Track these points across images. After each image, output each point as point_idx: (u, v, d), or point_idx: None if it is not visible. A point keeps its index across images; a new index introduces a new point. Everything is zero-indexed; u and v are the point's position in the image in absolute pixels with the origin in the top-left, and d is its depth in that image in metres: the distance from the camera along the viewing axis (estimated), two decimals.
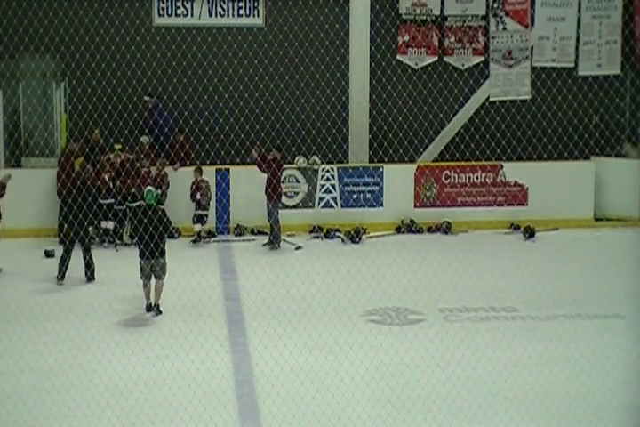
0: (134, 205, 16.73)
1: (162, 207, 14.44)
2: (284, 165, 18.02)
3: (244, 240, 17.77)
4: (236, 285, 15.14)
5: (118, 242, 17.12)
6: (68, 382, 11.07)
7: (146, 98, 18.29)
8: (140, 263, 13.54)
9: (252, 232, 17.96)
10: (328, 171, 18.65)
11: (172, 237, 16.74)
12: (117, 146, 17.63)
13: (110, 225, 17.08)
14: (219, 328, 12.94)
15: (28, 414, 10.22)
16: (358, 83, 19.54)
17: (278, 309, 13.60)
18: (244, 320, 13.42)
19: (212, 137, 18.72)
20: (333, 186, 18.64)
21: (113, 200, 17.16)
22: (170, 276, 13.65)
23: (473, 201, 18.94)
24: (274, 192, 17.05)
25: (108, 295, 14.20)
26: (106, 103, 18.03)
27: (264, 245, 17.20)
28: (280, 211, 17.84)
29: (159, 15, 19.57)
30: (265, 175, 17.22)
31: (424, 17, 20.00)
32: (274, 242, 17.06)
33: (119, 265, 15.43)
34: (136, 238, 13.80)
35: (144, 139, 18.02)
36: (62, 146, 17.97)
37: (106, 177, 17.13)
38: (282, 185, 17.44)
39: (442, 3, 19.93)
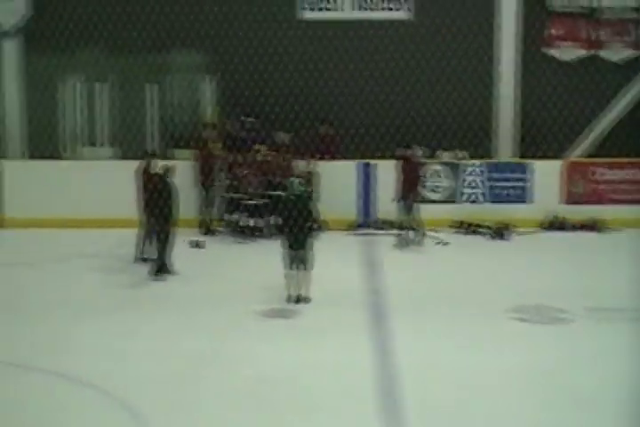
0: (278, 194, 16.86)
1: (310, 198, 14.41)
2: (428, 160, 17.91)
3: (388, 234, 17.70)
4: (380, 278, 15.08)
5: (257, 234, 17.21)
6: (212, 370, 11.23)
7: (246, 119, 18.34)
8: (286, 254, 13.63)
9: (397, 226, 17.85)
10: (474, 166, 18.40)
11: (318, 229, 16.78)
12: (258, 146, 17.83)
13: (250, 220, 17.20)
14: (362, 322, 12.90)
15: (175, 400, 10.41)
16: (506, 77, 19.22)
17: (422, 303, 13.49)
18: (388, 314, 13.34)
19: (357, 130, 18.77)
20: (480, 181, 18.39)
21: (244, 195, 17.26)
22: (314, 268, 13.67)
23: (624, 198, 18.37)
24: (407, 191, 16.72)
25: (253, 285, 14.35)
26: (255, 97, 18.33)
27: (397, 245, 16.94)
28: (424, 206, 17.75)
29: (305, 9, 19.68)
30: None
31: (575, 9, 19.52)
32: (414, 239, 16.74)
33: (264, 255, 15.59)
34: (282, 229, 13.83)
35: (284, 135, 18.15)
36: (213, 138, 18.20)
37: (238, 171, 17.30)
38: (424, 180, 17.14)
39: None
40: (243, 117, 18.40)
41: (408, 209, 16.72)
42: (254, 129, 18.34)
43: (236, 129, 17.98)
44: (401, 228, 17.38)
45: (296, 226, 13.33)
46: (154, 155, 15.72)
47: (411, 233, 16.87)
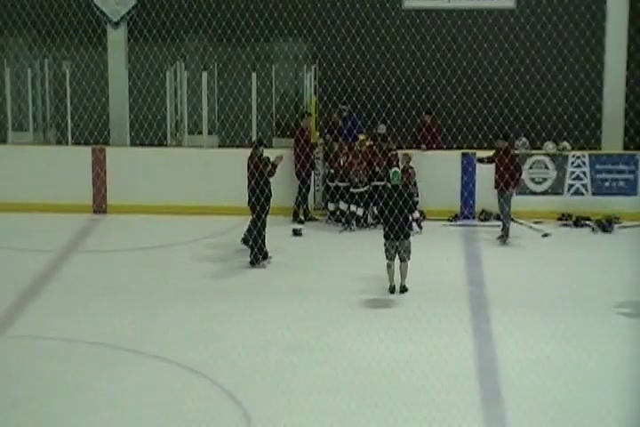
0: (379, 184, 16.77)
1: (409, 189, 14.31)
2: (533, 151, 17.63)
3: (489, 226, 17.43)
4: (480, 270, 14.89)
5: (354, 224, 17.10)
6: (314, 360, 11.25)
7: (341, 107, 18.25)
8: (385, 245, 13.57)
9: (498, 218, 17.59)
10: (579, 157, 18.00)
11: (417, 220, 16.66)
12: (362, 136, 17.75)
13: (354, 208, 17.11)
14: (462, 313, 12.78)
15: (275, 388, 10.44)
16: (614, 66, 18.71)
17: (524, 296, 13.30)
18: (489, 306, 13.19)
19: (460, 121, 18.53)
20: (584, 173, 17.98)
21: (348, 184, 17.16)
22: (414, 258, 13.59)
23: None
24: (505, 183, 16.20)
25: (353, 275, 14.31)
26: (355, 87, 18.24)
27: (498, 238, 16.57)
28: (527, 197, 17.47)
29: None
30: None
31: None
32: (504, 236, 16.39)
33: (363, 245, 15.54)
34: (381, 219, 13.78)
35: (381, 128, 18.01)
36: (312, 127, 18.22)
37: (341, 161, 17.22)
38: (521, 173, 16.67)
39: None
40: (339, 106, 18.35)
41: (506, 202, 16.35)
42: (350, 117, 18.26)
43: (338, 120, 17.93)
44: (500, 219, 17.06)
45: (395, 216, 13.26)
46: (262, 143, 15.78)
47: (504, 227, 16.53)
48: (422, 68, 18.92)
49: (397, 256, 13.54)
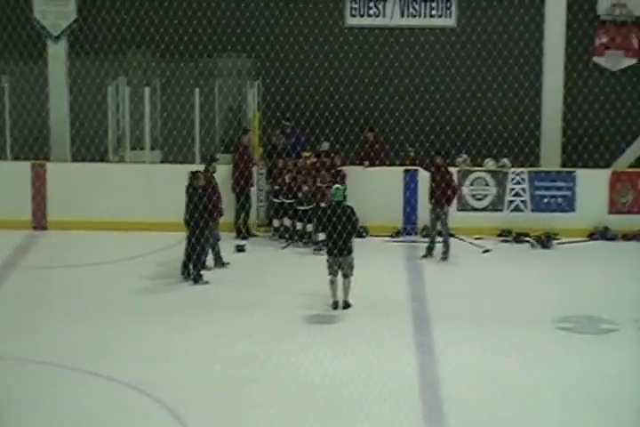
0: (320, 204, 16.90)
1: (351, 205, 14.43)
2: (474, 168, 17.91)
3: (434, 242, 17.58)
4: (422, 285, 15.03)
5: (305, 240, 17.21)
6: (258, 375, 11.26)
7: (284, 123, 18.37)
8: (328, 260, 13.63)
9: (440, 234, 17.76)
10: (518, 174, 18.28)
11: (360, 235, 16.77)
12: (306, 153, 17.84)
13: (300, 226, 17.16)
14: (405, 328, 12.88)
15: (219, 404, 10.44)
16: (552, 85, 19.05)
17: (465, 311, 13.44)
18: (431, 321, 13.31)
19: (401, 137, 18.72)
20: (524, 189, 18.26)
21: (293, 200, 17.25)
22: (357, 274, 13.67)
23: None
24: (443, 196, 16.36)
25: (296, 291, 14.35)
26: (298, 103, 18.35)
27: (423, 257, 16.47)
28: (468, 214, 17.72)
29: (351, 15, 19.70)
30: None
31: (624, 18, 19.36)
32: (445, 253, 16.52)
33: (307, 261, 15.61)
34: (324, 236, 13.85)
35: (324, 145, 18.14)
36: (255, 143, 18.28)
37: (287, 177, 17.28)
38: (457, 189, 16.86)
39: None
40: (282, 122, 18.42)
41: (436, 218, 16.47)
42: (294, 133, 18.31)
43: (278, 141, 17.92)
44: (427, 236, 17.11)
45: (338, 233, 13.34)
46: (215, 159, 15.88)
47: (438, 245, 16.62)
48: (365, 85, 19.11)
49: (340, 272, 13.63)
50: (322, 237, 16.55)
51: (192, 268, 14.71)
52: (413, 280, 15.39)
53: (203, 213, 14.44)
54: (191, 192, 14.68)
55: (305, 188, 17.03)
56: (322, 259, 13.72)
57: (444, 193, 16.31)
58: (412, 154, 17.21)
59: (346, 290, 13.66)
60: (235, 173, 17.25)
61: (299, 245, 16.91)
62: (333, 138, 17.99)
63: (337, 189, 13.97)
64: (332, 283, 13.65)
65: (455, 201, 17.39)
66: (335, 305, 13.67)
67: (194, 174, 14.82)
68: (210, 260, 15.26)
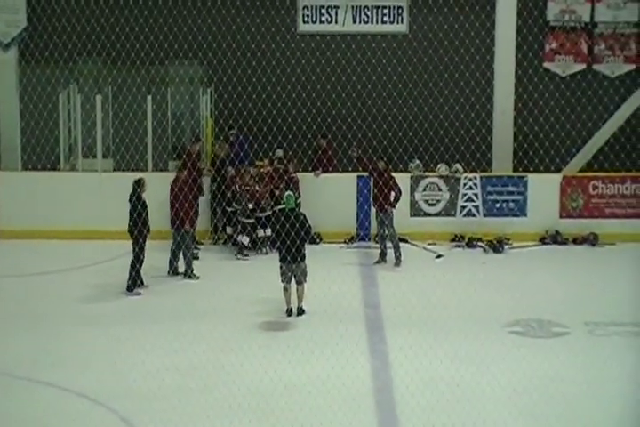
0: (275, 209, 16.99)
1: (303, 212, 14.55)
2: (426, 173, 18.04)
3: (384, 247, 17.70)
4: (376, 292, 15.12)
5: (266, 248, 17.28)
6: (211, 383, 11.26)
7: (229, 132, 18.41)
8: (281, 267, 13.68)
9: (389, 239, 17.87)
10: (471, 179, 18.46)
11: (313, 242, 16.86)
12: (261, 162, 17.90)
13: (262, 233, 17.25)
14: (359, 335, 12.95)
15: (172, 413, 10.43)
16: (503, 90, 19.28)
17: (419, 317, 13.53)
18: (384, 328, 13.40)
19: (354, 143, 18.83)
20: (476, 194, 18.44)
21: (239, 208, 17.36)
22: (310, 281, 13.75)
23: (622, 213, 18.42)
24: (385, 201, 16.48)
25: (249, 298, 14.39)
26: (251, 110, 18.39)
27: (376, 262, 16.73)
28: (421, 219, 17.88)
29: (304, 22, 19.80)
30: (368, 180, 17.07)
31: (573, 24, 19.64)
32: (398, 258, 16.60)
33: (260, 268, 15.64)
34: (278, 243, 13.85)
35: (278, 152, 18.20)
36: (207, 150, 18.31)
37: (236, 186, 17.35)
38: (398, 194, 16.87)
39: (592, 9, 19.52)
40: (226, 131, 18.44)
41: (380, 223, 16.58)
42: (237, 141, 18.28)
43: (222, 150, 17.86)
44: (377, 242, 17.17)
45: (291, 239, 13.39)
46: (186, 166, 15.96)
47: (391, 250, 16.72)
48: (317, 91, 19.19)
49: (294, 279, 13.70)
50: (262, 233, 16.70)
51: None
52: (367, 286, 15.47)
53: (146, 223, 14.56)
54: (135, 201, 14.69)
55: (265, 195, 17.18)
56: (276, 266, 13.76)
57: (386, 198, 16.44)
58: (354, 154, 17.28)
59: (300, 297, 13.74)
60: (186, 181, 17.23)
61: (268, 252, 17.00)
62: (286, 145, 18.07)
63: (288, 196, 14.05)
64: (286, 290, 13.71)
65: (408, 206, 17.55)
66: (289, 312, 13.73)
67: (138, 182, 14.85)
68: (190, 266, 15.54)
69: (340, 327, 12.98)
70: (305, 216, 14.07)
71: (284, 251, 13.59)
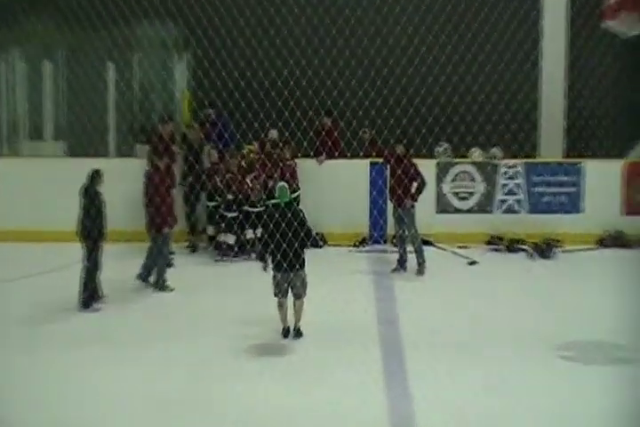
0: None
1: (300, 208, 14.47)
2: (457, 160, 18.04)
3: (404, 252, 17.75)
4: (393, 306, 15.13)
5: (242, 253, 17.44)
6: (193, 417, 11.29)
7: (206, 111, 18.48)
8: (276, 277, 13.58)
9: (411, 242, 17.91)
10: (512, 167, 18.50)
11: (315, 245, 16.91)
12: (249, 146, 17.94)
13: (251, 234, 17.39)
14: (371, 359, 12.92)
15: None
16: (552, 56, 19.32)
17: (445, 337, 13.52)
18: (403, 350, 13.38)
19: (366, 123, 18.84)
20: (518, 186, 18.48)
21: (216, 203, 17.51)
22: (311, 293, 13.75)
23: None
24: (405, 194, 16.60)
25: (235, 315, 14.41)
26: (238, 80, 18.42)
27: (393, 270, 16.92)
28: (450, 216, 17.90)
29: None
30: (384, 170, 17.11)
31: None
32: (421, 264, 16.69)
33: (249, 277, 15.67)
34: (271, 246, 13.77)
35: (272, 132, 18.23)
36: (184, 130, 18.36)
37: (218, 179, 17.45)
38: (423, 185, 16.92)
39: None
40: (204, 110, 18.49)
41: (399, 222, 16.60)
42: (220, 119, 18.34)
43: (197, 135, 17.91)
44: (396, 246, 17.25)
45: (286, 242, 13.36)
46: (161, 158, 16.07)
47: (412, 255, 16.77)
48: (320, 57, 19.19)
49: (290, 292, 13.70)
50: (251, 234, 16.75)
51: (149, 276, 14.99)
52: (382, 300, 15.46)
53: (103, 223, 14.65)
54: (92, 195, 14.72)
55: (256, 186, 17.25)
56: (258, 273, 13.80)
57: (406, 190, 16.43)
58: (366, 135, 17.26)
59: (297, 314, 13.66)
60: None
61: (236, 260, 17.10)
62: (282, 125, 18.11)
63: (282, 187, 13.87)
64: (281, 306, 13.65)
65: (433, 201, 17.57)
66: (285, 332, 13.72)
67: (97, 173, 14.90)
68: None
69: (348, 350, 12.98)
70: (304, 214, 14.00)
71: (278, 256, 13.58)
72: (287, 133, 18.11)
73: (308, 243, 13.76)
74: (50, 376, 12.45)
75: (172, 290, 15.64)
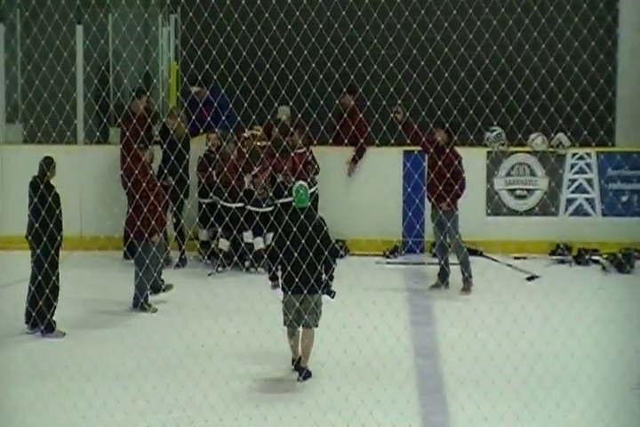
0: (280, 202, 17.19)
1: (319, 214, 14.25)
2: (515, 148, 18.09)
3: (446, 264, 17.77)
4: (432, 332, 15.20)
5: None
6: None
7: (195, 89, 18.56)
8: (284, 302, 13.55)
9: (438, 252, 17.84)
10: (582, 157, 18.52)
11: (335, 255, 16.94)
12: (254, 130, 18.03)
13: (249, 239, 17.52)
14: (405, 399, 12.97)
15: None
16: (631, 22, 19.35)
17: (498, 372, 13.57)
18: (445, 388, 13.44)
19: (399, 102, 18.86)
20: (590, 181, 18.51)
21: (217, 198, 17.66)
22: (329, 316, 13.72)
23: None
24: (448, 193, 16.53)
25: (237, 343, 14.46)
26: (237, 48, 18.45)
27: (433, 287, 17.03)
28: (501, 219, 17.94)
29: None
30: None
31: None
32: (466, 280, 16.68)
33: (251, 294, 15.73)
34: (279, 258, 13.64)
35: (283, 109, 18.29)
36: (170, 109, 18.44)
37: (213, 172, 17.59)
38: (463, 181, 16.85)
39: None
40: (192, 88, 18.58)
41: (439, 226, 16.57)
42: (215, 94, 18.41)
43: (175, 122, 17.99)
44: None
45: (298, 254, 13.25)
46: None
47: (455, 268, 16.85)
48: (342, 21, 19.19)
49: (298, 319, 13.41)
50: (260, 244, 16.85)
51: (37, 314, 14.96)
52: (419, 324, 15.54)
53: (60, 224, 14.75)
54: (43, 190, 14.77)
55: (262, 181, 17.39)
56: (262, 288, 13.87)
57: (449, 187, 16.36)
58: (399, 116, 17.30)
59: (305, 350, 13.52)
60: (124, 161, 17.37)
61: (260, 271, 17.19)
62: (293, 104, 18.15)
63: (300, 188, 13.68)
64: (292, 335, 13.52)
65: (482, 200, 17.63)
66: (297, 364, 13.75)
67: (48, 162, 14.95)
68: None
69: (376, 387, 13.02)
70: (323, 220, 13.84)
71: (287, 272, 13.43)
72: (299, 115, 18.13)
73: (333, 263, 13.51)
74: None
75: (154, 311, 15.74)
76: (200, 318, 15.29)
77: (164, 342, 14.53)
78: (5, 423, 12.25)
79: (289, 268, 13.38)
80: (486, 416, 12.15)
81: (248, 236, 17.50)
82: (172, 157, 16.59)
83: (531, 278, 17.23)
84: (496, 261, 17.76)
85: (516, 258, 17.87)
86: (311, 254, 13.28)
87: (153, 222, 15.46)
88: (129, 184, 15.70)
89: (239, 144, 18.15)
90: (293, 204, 13.59)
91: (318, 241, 13.31)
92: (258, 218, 17.33)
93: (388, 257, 18.31)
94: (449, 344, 14.45)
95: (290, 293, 13.45)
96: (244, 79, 17.57)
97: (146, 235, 15.49)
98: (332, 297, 13.52)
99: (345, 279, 15.17)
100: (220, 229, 17.64)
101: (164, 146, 17.83)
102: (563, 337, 14.60)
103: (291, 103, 18.13)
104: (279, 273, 13.55)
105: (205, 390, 13.10)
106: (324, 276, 13.48)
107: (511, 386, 13.18)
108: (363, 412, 12.34)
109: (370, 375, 13.48)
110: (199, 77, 18.47)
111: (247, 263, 17.74)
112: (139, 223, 15.22)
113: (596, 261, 17.90)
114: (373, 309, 14.36)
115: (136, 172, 15.62)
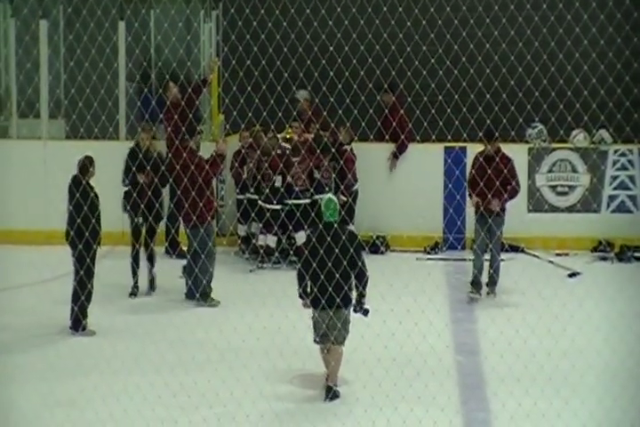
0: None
1: (351, 228, 13.90)
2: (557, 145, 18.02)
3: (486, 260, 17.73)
4: (472, 329, 15.16)
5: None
6: None
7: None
8: (313, 317, 13.30)
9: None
10: (624, 154, 18.44)
11: (375, 251, 16.98)
12: (292, 127, 18.08)
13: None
14: (446, 396, 12.94)
15: None
16: None
17: (540, 369, 13.52)
18: (486, 386, 13.40)
19: (439, 98, 18.80)
20: (632, 178, 18.42)
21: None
22: (370, 314, 13.59)
23: None
24: (497, 193, 16.22)
25: (276, 340, 14.42)
26: (279, 43, 18.44)
27: (472, 292, 16.72)
28: (542, 216, 17.88)
29: None
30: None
31: None
32: (494, 283, 16.69)
33: (292, 293, 15.69)
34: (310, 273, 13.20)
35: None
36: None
37: (245, 168, 17.64)
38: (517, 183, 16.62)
39: None
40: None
41: (485, 228, 16.42)
42: None
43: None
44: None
45: (330, 271, 12.91)
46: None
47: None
48: (384, 17, 19.13)
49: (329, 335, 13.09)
50: (301, 238, 16.78)
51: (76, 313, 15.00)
52: (460, 321, 15.56)
53: (99, 225, 14.79)
54: (82, 191, 14.78)
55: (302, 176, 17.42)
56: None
57: (503, 186, 16.22)
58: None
59: (333, 369, 13.20)
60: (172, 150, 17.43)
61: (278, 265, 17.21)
62: (334, 100, 18.10)
63: (329, 202, 13.25)
64: (324, 351, 13.35)
65: (524, 196, 17.55)
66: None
67: (88, 161, 14.96)
68: None
69: (417, 384, 12.99)
70: (354, 234, 13.35)
71: (317, 289, 13.04)
72: (340, 112, 18.09)
73: (363, 282, 13.14)
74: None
75: (217, 304, 16.11)
76: (241, 313, 15.27)
77: (206, 338, 14.55)
78: (49, 417, 12.29)
79: (318, 283, 13.09)
80: (528, 413, 12.09)
81: (301, 236, 17.35)
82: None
83: (572, 275, 17.17)
84: (537, 257, 17.71)
85: (557, 255, 17.81)
86: (339, 271, 12.93)
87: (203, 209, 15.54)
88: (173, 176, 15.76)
89: (280, 140, 18.14)
90: (324, 218, 13.20)
91: (348, 257, 13.00)
92: (298, 213, 17.27)
93: (428, 253, 18.27)
94: (490, 341, 14.40)
95: (319, 309, 13.17)
96: (285, 75, 17.60)
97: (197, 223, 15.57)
98: (366, 315, 13.23)
99: (385, 275, 15.14)
100: (260, 225, 17.62)
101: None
102: (604, 334, 14.56)
103: (332, 99, 18.10)
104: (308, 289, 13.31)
105: (246, 386, 13.11)
106: (354, 292, 13.21)
107: (553, 383, 13.14)
108: (404, 408, 12.32)
109: (411, 372, 13.42)
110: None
111: (289, 259, 17.67)
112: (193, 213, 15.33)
113: (638, 258, 17.79)
114: (414, 305, 14.31)
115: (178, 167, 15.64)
